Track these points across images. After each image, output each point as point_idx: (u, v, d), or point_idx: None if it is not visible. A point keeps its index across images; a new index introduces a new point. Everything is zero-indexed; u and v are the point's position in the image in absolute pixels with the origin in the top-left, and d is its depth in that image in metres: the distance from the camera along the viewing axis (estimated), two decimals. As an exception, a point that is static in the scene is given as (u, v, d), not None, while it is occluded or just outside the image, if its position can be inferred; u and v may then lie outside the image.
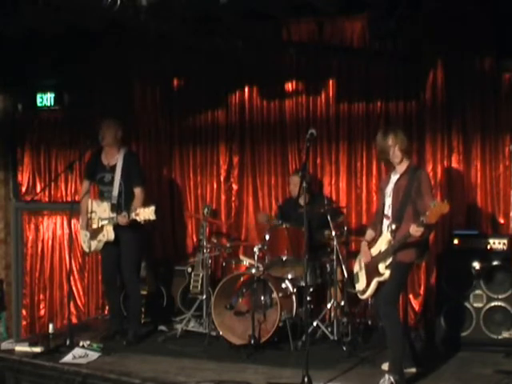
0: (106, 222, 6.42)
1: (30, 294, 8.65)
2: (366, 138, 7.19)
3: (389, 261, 5.14)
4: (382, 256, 5.20)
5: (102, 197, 6.62)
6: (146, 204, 6.31)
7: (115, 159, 6.58)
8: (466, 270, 6.21)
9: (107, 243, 6.53)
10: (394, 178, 5.35)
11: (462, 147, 6.88)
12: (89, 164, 6.90)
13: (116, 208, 6.42)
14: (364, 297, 5.49)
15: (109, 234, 6.45)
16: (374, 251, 5.34)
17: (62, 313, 8.31)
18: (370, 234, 5.55)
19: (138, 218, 6.13)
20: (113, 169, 6.57)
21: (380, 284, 5.25)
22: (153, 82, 8.10)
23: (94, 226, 6.52)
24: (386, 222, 5.33)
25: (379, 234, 5.38)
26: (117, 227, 6.40)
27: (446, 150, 6.93)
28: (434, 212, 4.74)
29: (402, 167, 5.31)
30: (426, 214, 4.79)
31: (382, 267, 5.18)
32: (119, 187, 6.50)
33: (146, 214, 6.08)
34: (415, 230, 4.90)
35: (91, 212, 6.56)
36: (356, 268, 5.55)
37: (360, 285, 5.47)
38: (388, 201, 5.35)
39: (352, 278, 5.73)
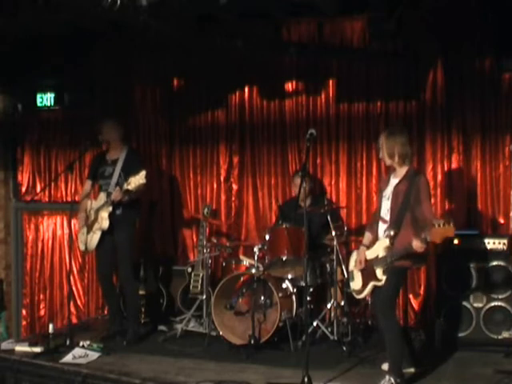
0: (101, 208, 6.42)
1: (30, 294, 8.66)
2: (366, 138, 7.19)
3: (386, 267, 5.13)
4: (379, 262, 5.16)
5: (101, 191, 6.65)
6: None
7: (118, 154, 6.64)
8: (465, 270, 6.21)
9: (101, 242, 6.51)
10: (394, 181, 5.31)
11: (462, 147, 6.87)
12: (93, 164, 6.93)
13: (111, 194, 6.42)
14: (360, 296, 5.46)
15: (103, 221, 6.43)
16: (371, 254, 5.30)
17: (62, 313, 8.31)
18: (368, 237, 5.50)
19: (130, 187, 6.13)
20: (114, 163, 6.61)
21: (377, 287, 5.24)
22: (153, 82, 8.10)
23: (91, 218, 6.54)
24: (382, 226, 5.28)
25: (376, 235, 5.36)
26: (112, 220, 6.40)
27: (446, 149, 6.92)
28: (439, 233, 4.69)
29: (402, 171, 5.27)
30: (431, 231, 4.73)
31: (379, 273, 5.15)
32: (118, 178, 6.52)
33: (137, 179, 6.09)
34: (418, 247, 4.87)
35: (89, 210, 6.60)
36: (351, 266, 5.53)
37: (356, 284, 5.45)
38: (386, 204, 5.30)
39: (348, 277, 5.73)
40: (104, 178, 6.65)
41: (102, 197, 6.51)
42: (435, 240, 4.80)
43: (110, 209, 6.40)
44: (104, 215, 6.43)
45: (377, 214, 5.45)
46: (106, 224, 6.44)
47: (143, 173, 6.08)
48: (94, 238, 6.54)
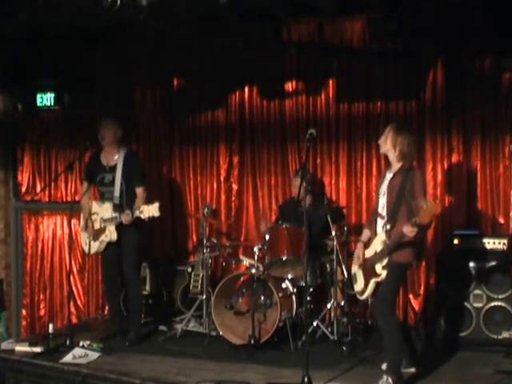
0: (108, 222, 6.42)
1: (30, 293, 8.66)
2: (366, 138, 7.19)
3: (385, 261, 5.12)
4: (378, 256, 5.18)
5: (103, 198, 6.60)
6: (147, 203, 6.31)
7: (115, 159, 6.56)
8: (465, 270, 6.22)
9: (109, 243, 6.52)
10: (389, 176, 5.33)
11: (462, 147, 6.87)
12: (88, 166, 6.88)
13: (118, 208, 6.40)
14: (363, 297, 5.47)
15: (112, 234, 6.45)
16: (370, 252, 5.32)
17: (62, 313, 8.31)
18: (366, 234, 5.53)
19: (142, 216, 6.14)
20: (113, 169, 6.54)
21: (378, 284, 5.25)
22: (153, 82, 8.10)
23: (96, 226, 6.52)
24: (380, 222, 5.30)
25: (374, 233, 5.38)
26: (119, 226, 6.40)
27: (446, 150, 6.92)
28: (427, 213, 4.73)
29: (396, 166, 5.29)
30: (419, 213, 4.78)
31: (378, 268, 5.17)
32: (120, 187, 6.48)
33: (151, 210, 6.09)
34: (409, 231, 4.89)
35: (92, 213, 6.56)
36: (354, 268, 5.54)
37: (358, 285, 5.46)
38: (382, 200, 5.32)
39: (351, 279, 5.73)
40: (104, 186, 6.59)
41: (108, 208, 6.44)
42: (424, 221, 4.79)
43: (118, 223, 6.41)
44: (112, 228, 6.43)
45: (374, 211, 5.47)
46: (114, 236, 6.45)
47: (156, 205, 6.07)
48: (100, 247, 6.56)
